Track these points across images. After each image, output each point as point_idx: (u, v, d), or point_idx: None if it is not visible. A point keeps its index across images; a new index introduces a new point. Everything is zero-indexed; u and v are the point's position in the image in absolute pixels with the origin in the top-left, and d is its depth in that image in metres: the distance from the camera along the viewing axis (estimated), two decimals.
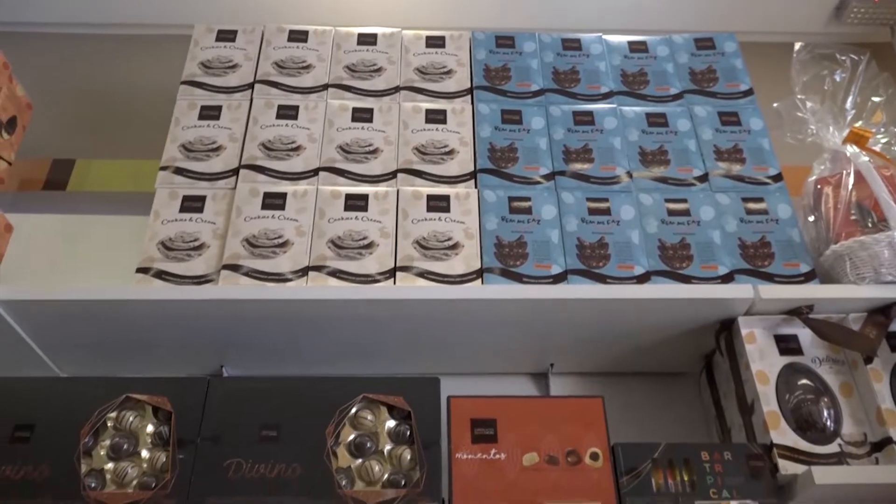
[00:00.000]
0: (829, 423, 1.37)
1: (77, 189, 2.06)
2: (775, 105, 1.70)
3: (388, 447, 1.31)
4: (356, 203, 1.55)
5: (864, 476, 1.26)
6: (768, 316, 1.46)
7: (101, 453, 1.29)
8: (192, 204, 1.55)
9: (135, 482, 1.26)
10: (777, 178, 1.62)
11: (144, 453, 1.29)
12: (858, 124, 1.63)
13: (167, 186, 1.58)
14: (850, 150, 1.59)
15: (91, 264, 1.87)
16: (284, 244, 1.49)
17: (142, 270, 1.47)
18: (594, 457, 1.30)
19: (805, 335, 1.46)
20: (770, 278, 1.49)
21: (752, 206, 1.58)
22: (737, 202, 1.58)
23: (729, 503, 1.22)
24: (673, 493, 1.28)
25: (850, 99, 1.64)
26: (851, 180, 1.54)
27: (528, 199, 1.57)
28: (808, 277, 1.49)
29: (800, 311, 1.44)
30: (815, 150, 1.66)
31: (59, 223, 1.94)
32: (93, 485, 1.25)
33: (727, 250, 1.52)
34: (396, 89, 1.74)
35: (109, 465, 1.28)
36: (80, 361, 1.57)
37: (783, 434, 1.34)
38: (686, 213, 1.57)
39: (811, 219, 1.59)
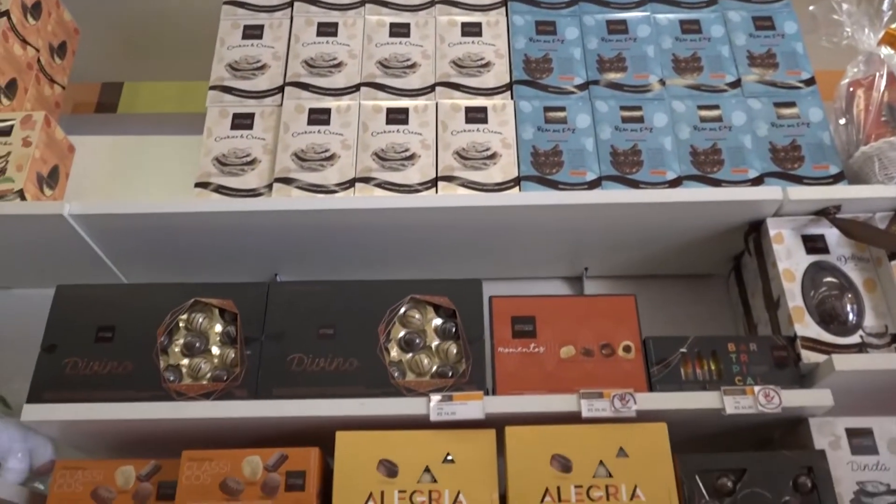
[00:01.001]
0: (851, 316, 1.44)
1: (127, 111, 2.15)
2: (811, 8, 1.70)
3: (435, 343, 1.42)
4: (397, 116, 1.62)
5: (883, 363, 1.34)
6: (796, 217, 1.51)
7: (176, 351, 1.42)
8: (242, 121, 1.63)
9: (208, 376, 1.40)
10: (810, 82, 1.65)
11: (215, 350, 1.42)
12: (894, 26, 1.63)
13: (217, 105, 1.66)
14: (885, 51, 1.60)
15: (145, 183, 1.97)
16: (331, 157, 1.57)
17: (200, 185, 1.57)
18: (627, 349, 1.40)
19: (832, 234, 1.51)
20: (799, 181, 1.54)
21: (783, 110, 1.62)
22: (769, 107, 1.62)
23: (753, 388, 1.31)
24: (700, 381, 1.38)
25: (886, 0, 1.63)
26: (884, 82, 1.56)
27: (562, 108, 1.62)
28: (836, 179, 1.54)
29: (827, 212, 1.50)
30: (849, 54, 1.67)
31: (113, 144, 2.03)
32: (171, 378, 1.38)
33: (758, 154, 1.57)
34: (432, 3, 1.77)
35: (185, 361, 1.41)
36: (143, 270, 1.70)
37: (807, 327, 1.42)
38: (718, 119, 1.61)
39: (842, 122, 1.62)
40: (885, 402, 1.40)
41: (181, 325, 1.44)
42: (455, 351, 1.40)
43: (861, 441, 1.33)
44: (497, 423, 1.32)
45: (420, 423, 1.31)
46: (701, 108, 1.62)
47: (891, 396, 1.40)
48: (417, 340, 1.41)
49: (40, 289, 1.79)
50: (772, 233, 1.51)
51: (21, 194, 1.59)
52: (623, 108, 1.62)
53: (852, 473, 1.31)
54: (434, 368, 1.40)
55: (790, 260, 1.49)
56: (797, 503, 1.26)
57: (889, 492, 1.29)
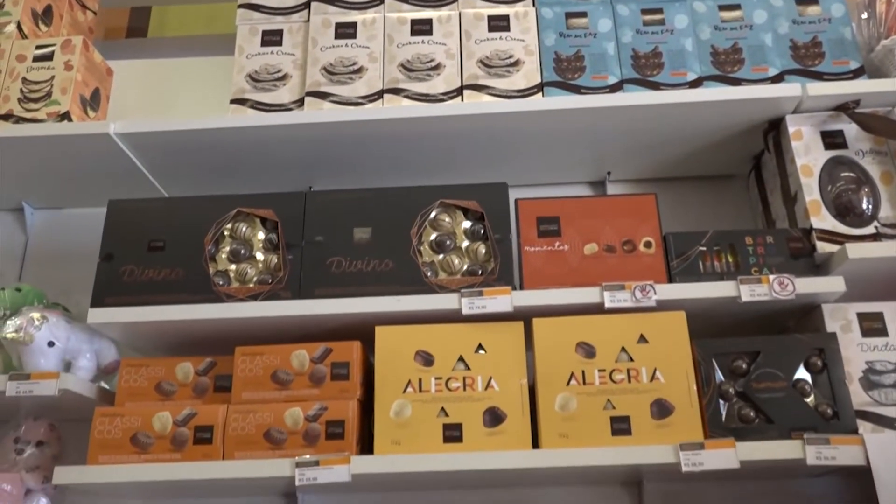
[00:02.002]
0: (867, 208, 1.48)
1: (157, 35, 2.20)
2: None
3: (465, 244, 1.50)
4: (421, 28, 1.66)
5: (895, 249, 1.39)
6: (816, 113, 1.54)
7: (223, 258, 1.52)
8: (272, 38, 1.68)
9: (254, 279, 1.50)
10: None
11: (259, 256, 1.52)
12: None
13: (247, 23, 1.71)
14: None
15: (180, 104, 2.04)
16: (359, 70, 1.62)
17: (236, 102, 1.63)
18: (647, 245, 1.47)
19: (850, 129, 1.54)
20: (819, 77, 1.56)
21: (805, 7, 1.62)
22: (790, 4, 1.62)
23: (768, 277, 1.38)
24: (718, 273, 1.45)
25: None
26: None
27: (584, 14, 1.65)
28: (856, 74, 1.56)
29: (846, 107, 1.52)
30: None
31: (146, 68, 2.09)
32: (220, 282, 1.49)
33: (778, 52, 1.58)
34: None
35: (232, 267, 1.51)
36: (184, 185, 1.79)
37: (823, 220, 1.47)
38: (739, 18, 1.62)
39: (864, 16, 1.62)
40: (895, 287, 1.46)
41: (226, 233, 1.54)
42: (484, 251, 1.49)
43: (872, 324, 1.40)
44: (525, 316, 1.41)
45: (453, 317, 1.41)
46: (722, 7, 1.63)
47: None
48: (448, 242, 1.49)
49: (89, 208, 1.91)
50: (791, 130, 1.54)
51: (67, 116, 1.67)
52: (644, 10, 1.64)
53: (862, 354, 1.38)
54: (464, 267, 1.48)
55: (808, 156, 1.53)
56: (808, 382, 1.35)
57: None
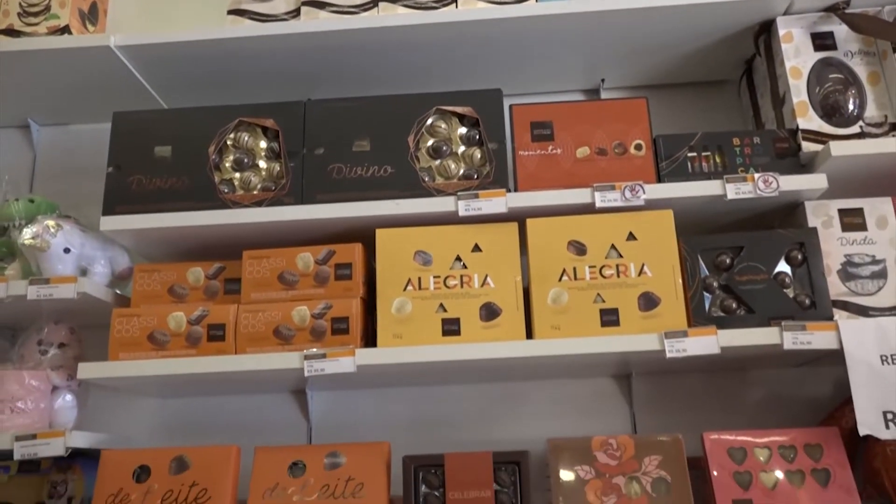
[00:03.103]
0: (853, 108, 1.52)
1: None
2: None
3: (461, 149, 1.55)
4: None
5: (877, 147, 1.43)
6: (806, 14, 1.56)
7: (227, 166, 1.57)
8: None
9: (258, 187, 1.55)
10: None
11: (262, 164, 1.57)
12: None
13: None
14: None
15: (177, 16, 2.05)
16: None
17: (233, 12, 1.65)
18: (638, 147, 1.52)
19: (840, 31, 1.56)
20: None
21: None
22: None
23: (753, 175, 1.43)
24: (706, 173, 1.50)
25: None
26: None
27: None
28: None
29: (836, 7, 1.54)
30: None
31: None
32: (226, 190, 1.54)
33: None
34: None
35: (236, 175, 1.57)
36: (184, 97, 1.81)
37: (810, 120, 1.51)
38: None
39: None
40: (877, 185, 1.51)
41: (229, 143, 1.58)
42: (479, 156, 1.53)
43: (852, 219, 1.46)
44: (519, 217, 1.47)
45: (450, 219, 1.47)
46: None
47: (883, 179, 1.51)
48: (444, 148, 1.54)
49: (94, 124, 1.95)
50: (781, 32, 1.56)
51: (67, 30, 1.69)
52: None
53: (841, 248, 1.45)
54: (461, 172, 1.53)
55: (798, 58, 1.55)
56: (788, 274, 1.42)
57: (874, 262, 1.43)
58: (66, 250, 1.54)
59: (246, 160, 1.57)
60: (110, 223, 1.51)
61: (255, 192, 1.54)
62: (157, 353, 1.45)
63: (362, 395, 1.74)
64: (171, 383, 1.56)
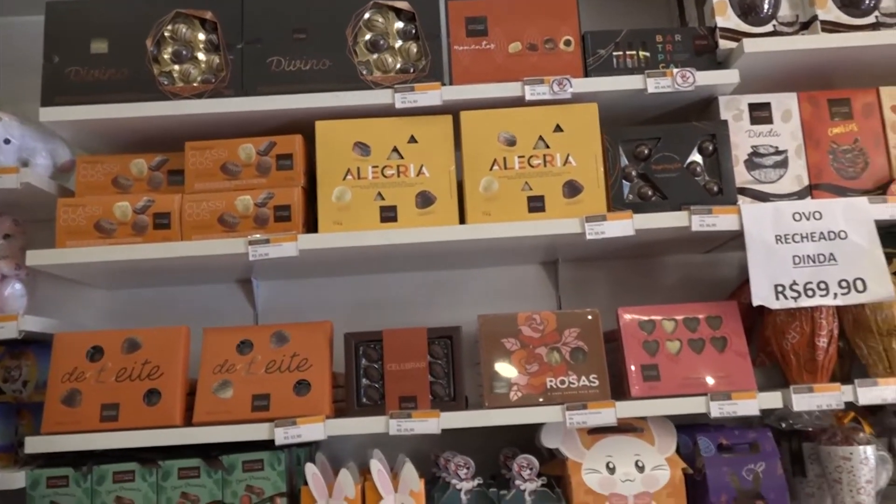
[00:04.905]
0: (767, 7, 1.61)
1: None
2: None
3: (398, 43, 1.59)
4: None
5: (786, 44, 1.54)
6: None
7: (166, 58, 1.59)
8: None
9: (198, 79, 1.58)
10: None
11: (201, 56, 1.59)
12: None
13: None
14: None
15: None
16: None
17: None
18: (567, 43, 1.59)
19: None
20: None
21: None
22: None
23: (672, 71, 1.52)
24: (630, 69, 1.58)
25: None
26: None
27: None
28: None
29: None
30: None
31: None
32: (165, 82, 1.56)
33: None
34: None
35: (175, 67, 1.58)
36: None
37: (728, 19, 1.59)
38: None
39: None
40: (786, 81, 1.63)
41: (167, 35, 1.59)
42: (415, 50, 1.58)
43: (760, 113, 1.58)
44: (453, 110, 1.54)
45: (387, 111, 1.53)
46: None
47: (792, 76, 1.62)
48: (382, 42, 1.58)
49: (27, 16, 1.91)
50: None
51: None
52: None
53: (749, 139, 1.57)
54: (397, 66, 1.58)
55: None
56: (700, 164, 1.53)
57: (777, 153, 1.56)
58: (7, 141, 1.56)
59: (185, 52, 1.58)
60: (50, 114, 1.53)
61: (195, 84, 1.57)
62: (104, 241, 1.50)
63: (306, 284, 1.83)
64: (120, 273, 1.62)
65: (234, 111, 1.53)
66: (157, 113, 1.53)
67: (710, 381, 1.44)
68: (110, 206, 1.51)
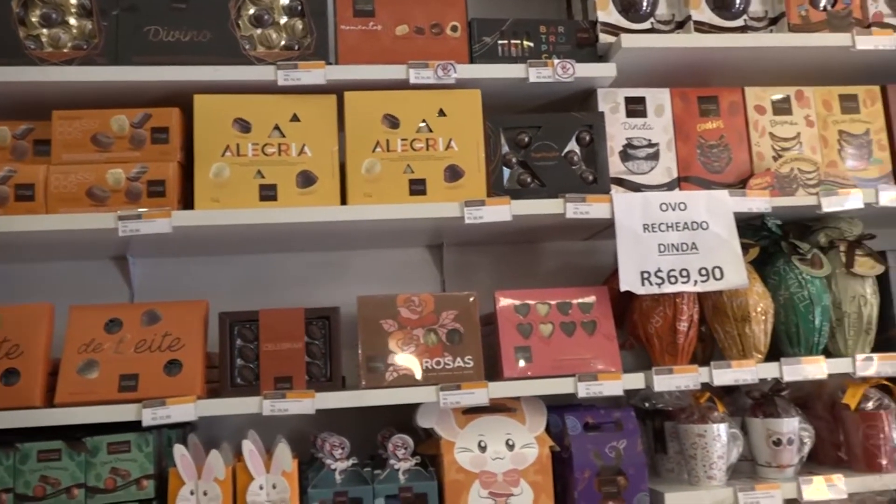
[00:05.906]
0: (647, 6, 1.67)
1: None
2: None
3: (283, 20, 1.57)
4: None
5: (661, 42, 1.60)
6: None
7: (34, 21, 1.50)
8: None
9: (69, 45, 1.50)
10: None
11: (72, 21, 1.51)
12: None
13: None
14: None
15: None
16: None
17: None
18: (454, 29, 1.60)
19: None
20: None
21: None
22: None
23: (553, 61, 1.56)
24: (514, 57, 1.61)
25: None
26: None
27: None
28: None
29: None
30: None
31: None
32: (32, 46, 1.48)
33: None
34: None
35: (44, 31, 1.50)
36: None
37: (609, 14, 1.65)
38: None
39: None
40: (661, 76, 1.70)
41: None
42: (301, 27, 1.56)
43: (635, 106, 1.64)
44: (338, 90, 1.53)
45: (269, 88, 1.50)
46: None
47: (666, 72, 1.69)
48: (266, 17, 1.55)
49: None
50: None
51: None
52: None
53: (624, 132, 1.63)
54: (282, 42, 1.56)
55: None
56: (577, 153, 1.59)
57: (649, 145, 1.63)
58: None
59: (54, 16, 1.50)
60: None
61: (65, 50, 1.49)
62: None
63: (185, 263, 1.78)
64: None
65: (107, 80, 1.47)
66: (21, 78, 1.45)
67: (579, 362, 1.50)
68: None
